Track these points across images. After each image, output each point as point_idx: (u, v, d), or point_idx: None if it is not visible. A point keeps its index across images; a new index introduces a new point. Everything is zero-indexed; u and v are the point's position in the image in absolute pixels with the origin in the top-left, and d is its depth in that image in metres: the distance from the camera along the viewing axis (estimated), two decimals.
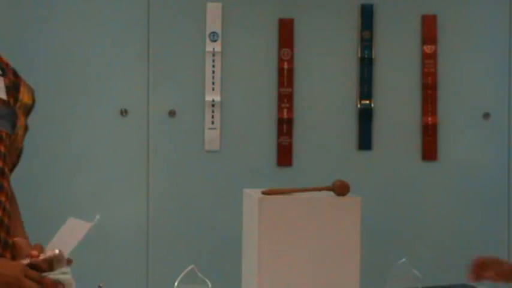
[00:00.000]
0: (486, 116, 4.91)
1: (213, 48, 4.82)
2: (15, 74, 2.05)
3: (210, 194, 4.77)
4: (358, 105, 4.89)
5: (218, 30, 4.82)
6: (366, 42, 4.89)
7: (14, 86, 2.01)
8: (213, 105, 4.83)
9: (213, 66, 4.83)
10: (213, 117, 4.83)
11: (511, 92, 4.94)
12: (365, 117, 4.88)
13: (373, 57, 4.89)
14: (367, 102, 4.89)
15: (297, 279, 2.31)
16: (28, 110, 2.04)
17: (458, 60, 4.96)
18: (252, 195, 2.64)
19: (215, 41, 4.83)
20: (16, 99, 2.00)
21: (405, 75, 4.91)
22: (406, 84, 4.91)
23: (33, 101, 2.06)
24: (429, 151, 4.90)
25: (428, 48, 4.90)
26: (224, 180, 4.74)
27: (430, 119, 4.89)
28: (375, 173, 4.87)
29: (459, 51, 4.95)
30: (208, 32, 4.82)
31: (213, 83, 4.82)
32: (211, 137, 4.82)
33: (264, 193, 2.54)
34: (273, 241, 2.36)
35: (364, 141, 4.89)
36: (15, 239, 2.09)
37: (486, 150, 4.91)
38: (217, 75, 4.82)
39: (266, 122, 4.85)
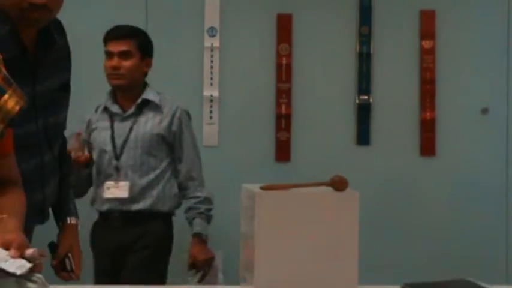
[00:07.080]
0: (485, 111, 4.91)
1: (212, 44, 4.82)
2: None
3: (208, 189, 4.77)
4: (357, 101, 4.89)
5: (216, 25, 4.82)
6: (364, 38, 4.88)
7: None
8: (211, 101, 4.82)
9: (212, 61, 4.82)
10: (211, 112, 4.83)
11: (509, 87, 4.93)
12: (363, 112, 4.88)
13: (371, 52, 4.89)
14: (366, 97, 4.89)
15: (295, 273, 2.31)
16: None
17: (457, 56, 4.95)
18: (250, 190, 2.64)
19: (213, 36, 4.83)
20: None
21: (403, 71, 4.91)
22: (404, 80, 4.91)
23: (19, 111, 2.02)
24: (427, 146, 4.90)
25: (426, 44, 4.90)
26: (222, 175, 4.74)
27: (428, 114, 4.89)
28: (373, 168, 4.87)
29: (457, 46, 4.95)
30: (206, 27, 4.82)
31: (211, 78, 4.82)
32: (210, 132, 4.82)
33: (262, 188, 2.53)
34: (271, 236, 2.36)
35: (363, 137, 4.89)
36: (4, 216, 2.03)
37: (484, 146, 4.91)
38: (216, 70, 4.82)
39: (264, 117, 4.85)
